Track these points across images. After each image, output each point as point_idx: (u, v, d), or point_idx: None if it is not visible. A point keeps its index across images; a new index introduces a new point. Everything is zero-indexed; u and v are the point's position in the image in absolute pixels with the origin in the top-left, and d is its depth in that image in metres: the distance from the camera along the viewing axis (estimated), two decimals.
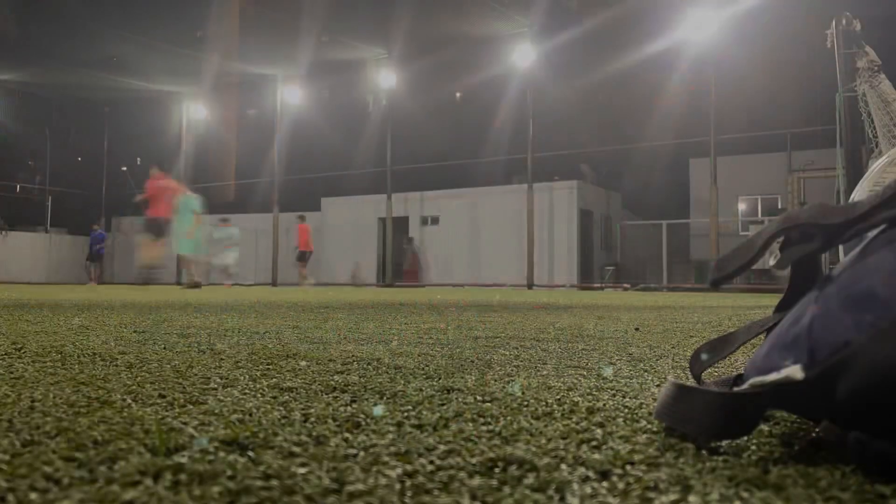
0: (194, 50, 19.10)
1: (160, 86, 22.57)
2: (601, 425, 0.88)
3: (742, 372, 0.90)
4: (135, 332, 2.36)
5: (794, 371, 0.69)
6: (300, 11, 16.76)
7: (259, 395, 1.10)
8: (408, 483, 0.63)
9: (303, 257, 17.93)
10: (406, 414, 0.95)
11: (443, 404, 1.03)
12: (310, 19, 17.01)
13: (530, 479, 0.64)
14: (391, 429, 0.85)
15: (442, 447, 0.76)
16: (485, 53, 20.47)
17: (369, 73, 22.34)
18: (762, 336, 0.92)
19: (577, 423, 0.89)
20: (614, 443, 0.78)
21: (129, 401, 1.04)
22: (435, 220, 21.29)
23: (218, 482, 0.62)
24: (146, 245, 12.03)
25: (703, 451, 0.74)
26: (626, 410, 0.98)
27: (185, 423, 0.87)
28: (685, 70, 18.53)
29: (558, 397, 1.09)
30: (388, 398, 1.09)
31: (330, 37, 17.94)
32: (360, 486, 0.61)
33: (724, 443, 0.78)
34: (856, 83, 7.34)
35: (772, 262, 0.85)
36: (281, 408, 0.99)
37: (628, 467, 0.68)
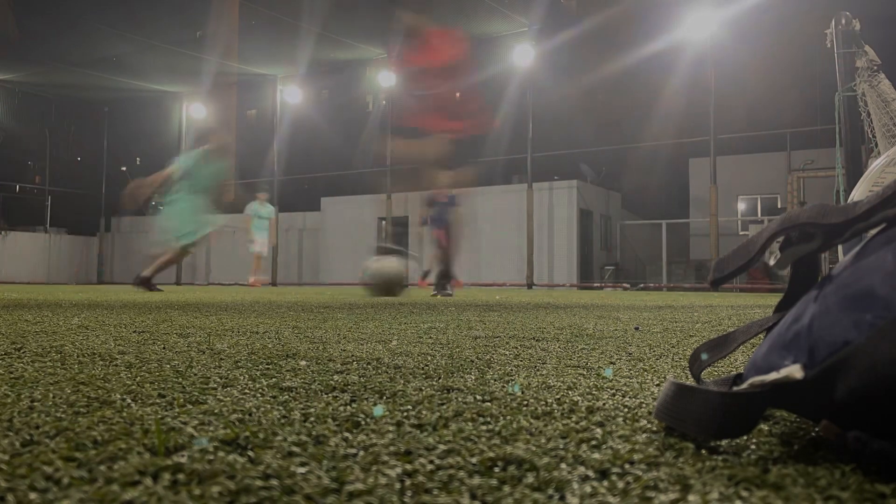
0: (194, 50, 19.08)
1: (160, 86, 22.56)
2: (601, 425, 0.88)
3: (742, 371, 0.90)
4: (135, 332, 2.36)
5: (794, 370, 0.69)
6: (300, 11, 16.76)
7: (259, 395, 1.10)
8: (407, 482, 0.63)
9: None
10: (406, 413, 0.95)
11: (442, 404, 1.03)
12: (309, 19, 17.00)
13: (530, 478, 0.64)
14: (391, 428, 0.85)
15: (441, 447, 0.76)
16: (484, 53, 20.46)
17: (369, 73, 22.34)
18: (762, 336, 0.92)
19: (576, 423, 0.89)
20: (614, 442, 0.78)
21: (129, 401, 1.04)
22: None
23: (217, 482, 0.62)
24: None
25: (703, 451, 0.74)
26: (626, 410, 0.98)
27: (184, 423, 0.87)
28: (685, 70, 18.53)
29: (558, 397, 1.09)
30: (387, 398, 1.09)
31: (330, 36, 17.92)
32: (359, 486, 0.61)
33: (724, 442, 0.78)
34: (855, 83, 7.34)
35: (772, 261, 0.88)
36: (280, 407, 0.99)
37: (628, 466, 0.68)
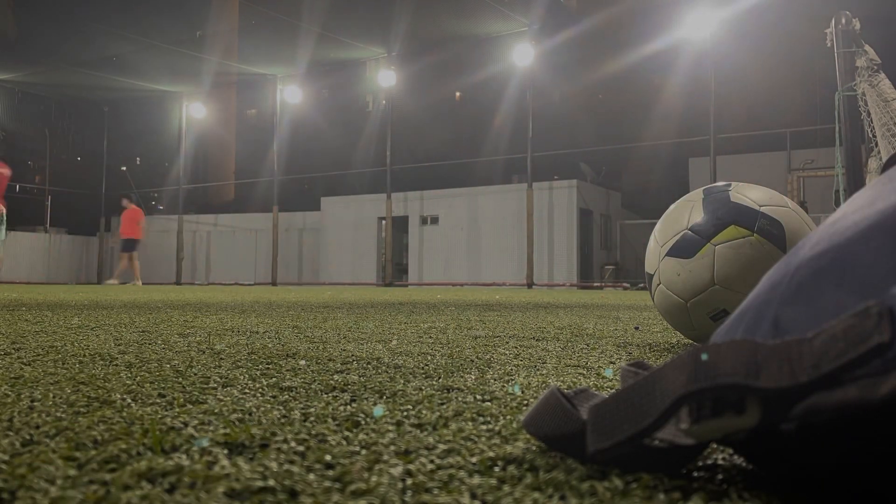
0: (194, 50, 19.07)
1: (160, 86, 22.55)
2: None
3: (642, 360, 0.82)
4: (135, 332, 2.36)
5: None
6: (300, 11, 16.74)
7: (259, 395, 1.10)
8: (408, 482, 0.63)
9: (130, 247, 15.98)
10: (406, 413, 0.95)
11: (442, 403, 1.02)
12: (309, 19, 16.98)
13: (529, 478, 0.64)
14: (391, 428, 0.85)
15: (442, 446, 0.76)
16: (485, 53, 20.46)
17: (369, 72, 22.32)
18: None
19: None
20: None
21: (129, 401, 1.04)
22: (434, 220, 21.28)
23: (217, 482, 0.62)
24: None
25: (704, 451, 0.74)
26: None
27: (184, 423, 0.87)
28: (685, 69, 18.52)
29: None
30: (387, 397, 1.09)
31: (330, 36, 17.91)
32: (360, 485, 0.61)
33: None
34: (855, 82, 7.33)
35: (682, 426, 0.58)
36: (280, 407, 0.99)
37: None
